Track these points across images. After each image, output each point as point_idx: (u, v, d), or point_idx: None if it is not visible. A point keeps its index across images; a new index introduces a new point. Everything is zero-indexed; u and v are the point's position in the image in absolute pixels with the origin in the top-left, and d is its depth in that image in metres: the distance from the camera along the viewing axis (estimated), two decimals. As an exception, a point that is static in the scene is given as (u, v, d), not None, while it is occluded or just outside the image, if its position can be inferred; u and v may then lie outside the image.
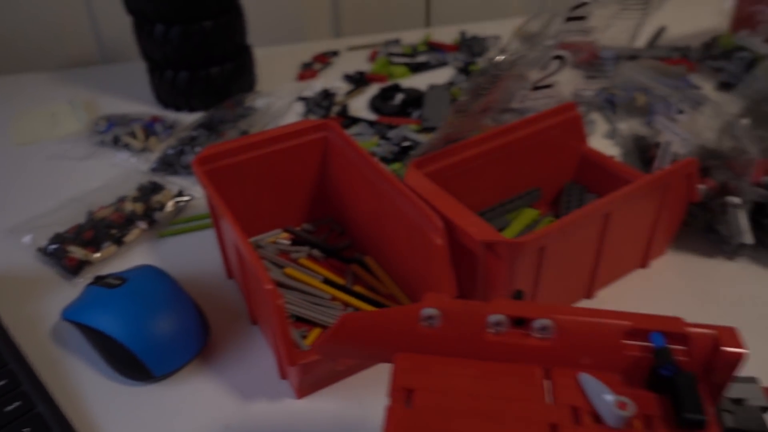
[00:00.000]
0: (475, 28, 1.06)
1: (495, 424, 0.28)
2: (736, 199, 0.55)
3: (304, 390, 0.46)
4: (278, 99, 0.80)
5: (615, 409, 0.28)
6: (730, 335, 0.31)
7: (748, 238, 0.56)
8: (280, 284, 0.54)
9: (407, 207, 0.47)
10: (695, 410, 0.29)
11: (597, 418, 0.29)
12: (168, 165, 0.71)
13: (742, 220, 0.55)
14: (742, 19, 0.85)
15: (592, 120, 0.79)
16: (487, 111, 0.54)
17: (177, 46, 0.77)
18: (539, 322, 0.31)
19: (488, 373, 0.31)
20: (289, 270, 0.55)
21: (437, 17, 1.20)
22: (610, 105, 0.80)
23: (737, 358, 0.30)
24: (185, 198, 0.66)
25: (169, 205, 0.64)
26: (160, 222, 0.63)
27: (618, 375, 0.31)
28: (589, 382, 0.30)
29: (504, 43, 0.47)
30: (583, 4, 0.54)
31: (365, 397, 0.47)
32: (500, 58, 0.48)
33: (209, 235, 0.62)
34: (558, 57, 0.56)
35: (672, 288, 0.55)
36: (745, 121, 0.66)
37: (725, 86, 0.84)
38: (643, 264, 0.57)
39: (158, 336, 0.47)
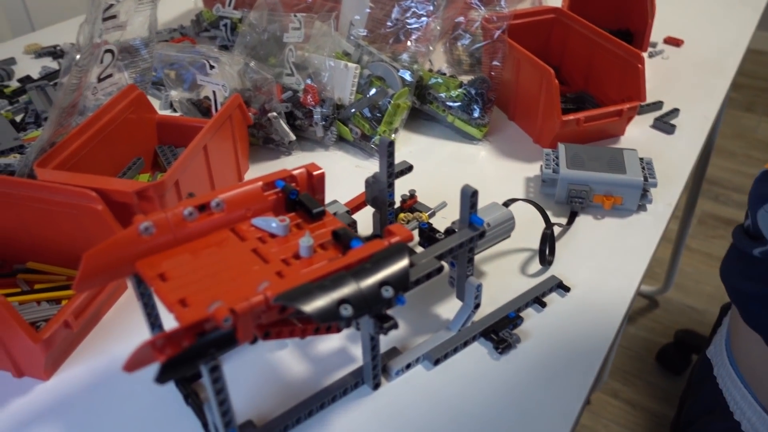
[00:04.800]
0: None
1: (224, 262, 0.44)
2: (273, 114, 0.79)
3: (49, 369, 0.52)
4: None
5: (279, 224, 0.47)
6: (313, 167, 0.53)
7: (291, 136, 0.81)
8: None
9: (60, 197, 0.56)
10: (316, 206, 0.50)
11: (274, 236, 0.48)
12: None
13: (282, 126, 0.79)
14: (211, -3, 1.11)
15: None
16: (76, 106, 0.64)
17: None
18: (214, 202, 0.47)
19: (203, 243, 0.46)
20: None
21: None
22: (152, 85, 0.96)
23: (321, 177, 0.52)
24: None
25: None
26: None
27: (271, 212, 0.50)
28: (258, 221, 0.48)
29: (77, 44, 0.57)
30: (111, 5, 0.68)
31: (108, 347, 0.55)
32: (78, 56, 0.59)
33: None
34: (108, 51, 0.69)
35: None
36: (253, 63, 0.90)
37: (223, 48, 1.08)
38: (240, 178, 0.77)
39: None
